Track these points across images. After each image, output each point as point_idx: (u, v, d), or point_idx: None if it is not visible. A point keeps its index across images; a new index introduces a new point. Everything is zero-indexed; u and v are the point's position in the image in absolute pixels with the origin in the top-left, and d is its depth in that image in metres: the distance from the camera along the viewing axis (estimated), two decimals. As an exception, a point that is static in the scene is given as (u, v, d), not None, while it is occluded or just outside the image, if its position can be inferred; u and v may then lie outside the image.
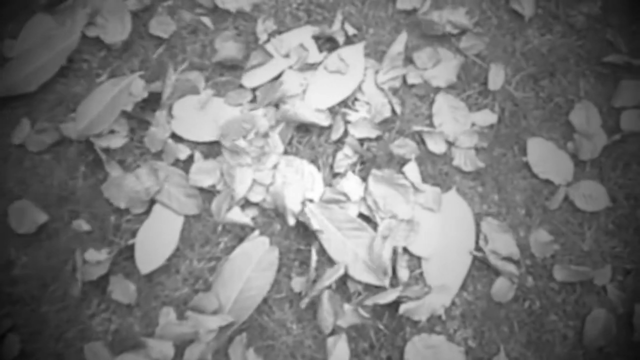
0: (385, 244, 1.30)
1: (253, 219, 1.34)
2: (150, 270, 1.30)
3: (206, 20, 1.44)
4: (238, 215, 1.31)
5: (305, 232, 1.32)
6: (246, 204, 1.34)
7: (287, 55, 1.40)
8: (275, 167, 1.35)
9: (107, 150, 1.36)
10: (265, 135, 1.34)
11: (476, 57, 1.45)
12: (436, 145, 1.38)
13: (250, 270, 1.30)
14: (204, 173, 1.34)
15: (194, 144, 1.37)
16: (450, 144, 1.39)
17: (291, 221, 1.30)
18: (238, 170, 1.33)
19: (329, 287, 1.28)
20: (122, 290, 1.30)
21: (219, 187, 1.34)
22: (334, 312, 1.27)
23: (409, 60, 1.44)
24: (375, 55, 1.44)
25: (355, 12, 1.47)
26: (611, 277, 1.34)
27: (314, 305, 1.27)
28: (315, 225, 1.28)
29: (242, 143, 1.33)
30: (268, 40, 1.42)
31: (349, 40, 1.45)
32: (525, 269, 1.34)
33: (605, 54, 1.48)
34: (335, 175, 1.36)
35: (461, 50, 1.45)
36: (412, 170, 1.36)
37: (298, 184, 1.33)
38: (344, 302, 1.29)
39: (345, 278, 1.30)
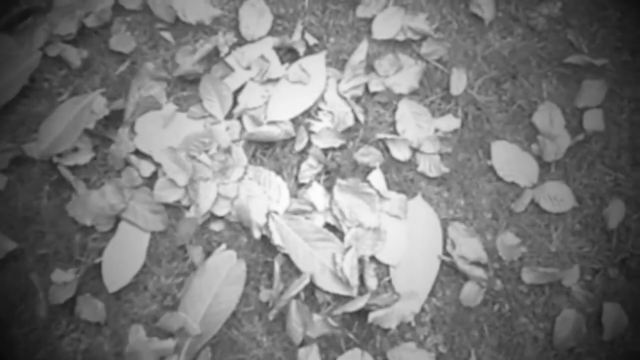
0: (352, 254, 1.28)
1: (219, 232, 1.32)
2: (118, 288, 1.29)
3: (166, 34, 1.43)
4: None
5: (271, 244, 1.31)
6: (212, 218, 1.33)
7: (248, 68, 1.40)
8: (239, 180, 1.34)
9: (71, 169, 1.34)
10: (228, 149, 1.33)
11: (438, 63, 1.45)
12: (400, 152, 1.38)
13: (218, 284, 1.29)
14: (168, 189, 1.33)
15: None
16: (414, 150, 1.39)
17: (257, 234, 1.30)
18: (202, 185, 1.32)
19: (296, 297, 1.27)
20: (91, 310, 1.29)
21: (184, 202, 1.33)
22: (302, 323, 1.26)
23: (370, 68, 1.44)
24: (337, 64, 1.45)
25: (316, 21, 1.47)
26: (579, 277, 1.34)
27: (283, 317, 1.27)
28: (276, 240, 1.28)
29: (204, 157, 1.33)
30: (229, 53, 1.41)
31: (310, 50, 1.45)
32: (494, 273, 1.34)
33: (567, 55, 1.48)
34: (301, 185, 1.36)
35: (422, 56, 1.46)
36: (377, 178, 1.36)
37: (263, 197, 1.32)
38: (313, 313, 1.28)
39: (313, 289, 1.30)
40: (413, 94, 1.43)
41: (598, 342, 1.31)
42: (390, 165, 1.38)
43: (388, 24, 1.46)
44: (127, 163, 1.37)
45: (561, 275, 1.33)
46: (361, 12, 1.48)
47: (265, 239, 1.32)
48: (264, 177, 1.35)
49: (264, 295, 1.29)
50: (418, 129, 1.39)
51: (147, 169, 1.37)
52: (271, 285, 1.30)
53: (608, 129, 1.44)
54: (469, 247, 1.35)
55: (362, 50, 1.43)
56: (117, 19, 1.45)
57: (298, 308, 1.27)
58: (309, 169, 1.36)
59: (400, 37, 1.46)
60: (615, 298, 1.34)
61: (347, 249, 1.28)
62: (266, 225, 1.29)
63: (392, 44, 1.47)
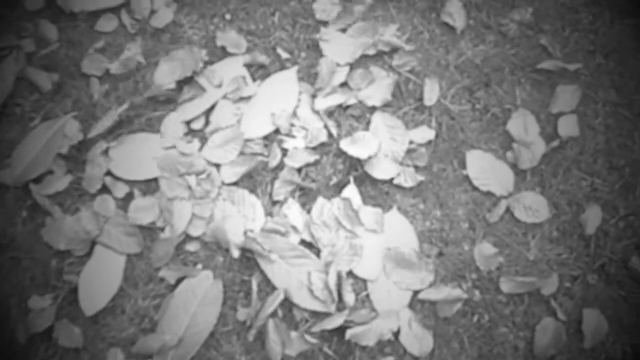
0: (329, 270, 1.28)
1: (194, 253, 1.32)
2: (95, 312, 1.29)
3: (138, 56, 1.43)
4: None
5: (248, 263, 1.31)
6: (187, 238, 1.33)
7: (219, 86, 1.39)
8: (214, 200, 1.33)
9: (45, 194, 1.34)
10: (203, 170, 1.33)
11: (410, 74, 1.45)
12: (373, 166, 1.37)
13: (195, 305, 1.29)
14: (143, 210, 1.33)
15: (132, 182, 1.36)
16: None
17: (235, 253, 1.29)
18: (177, 205, 1.32)
19: (273, 315, 1.27)
20: (68, 336, 1.29)
21: (159, 223, 1.33)
22: (281, 341, 1.26)
23: (343, 83, 1.43)
24: (309, 79, 1.44)
25: (286, 36, 1.47)
26: (558, 285, 1.33)
27: (262, 335, 1.27)
28: (262, 251, 1.27)
29: (178, 179, 1.32)
30: (200, 72, 1.41)
31: (282, 66, 1.44)
32: (472, 283, 1.33)
33: (540, 60, 1.48)
34: (275, 203, 1.35)
35: (394, 68, 1.45)
36: (351, 192, 1.35)
37: (238, 216, 1.32)
38: (291, 331, 1.27)
39: (291, 306, 1.29)
40: (386, 106, 1.42)
41: (579, 350, 1.31)
42: (365, 178, 1.37)
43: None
44: (102, 186, 1.34)
45: (540, 283, 1.33)
46: (333, 25, 1.47)
47: (242, 258, 1.31)
48: (239, 196, 1.34)
49: (242, 314, 1.28)
50: (392, 142, 1.38)
51: (121, 190, 1.35)
52: (248, 304, 1.28)
53: (583, 134, 1.43)
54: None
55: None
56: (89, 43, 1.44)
57: (276, 326, 1.27)
58: (283, 185, 1.34)
59: (371, 51, 1.44)
60: (595, 304, 1.33)
61: (329, 264, 1.26)
62: (245, 242, 1.28)
63: (363, 57, 1.45)
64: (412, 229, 1.36)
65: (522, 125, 1.42)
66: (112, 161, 1.35)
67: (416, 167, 1.38)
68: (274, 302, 1.26)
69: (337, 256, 1.30)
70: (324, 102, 1.40)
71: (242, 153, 1.37)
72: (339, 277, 1.29)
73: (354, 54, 1.42)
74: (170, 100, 1.41)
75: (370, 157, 1.35)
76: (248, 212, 1.34)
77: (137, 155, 1.37)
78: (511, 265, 1.34)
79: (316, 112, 1.40)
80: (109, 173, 1.37)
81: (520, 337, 1.30)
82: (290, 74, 1.43)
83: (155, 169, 1.36)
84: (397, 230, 1.36)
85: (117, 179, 1.36)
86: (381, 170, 1.36)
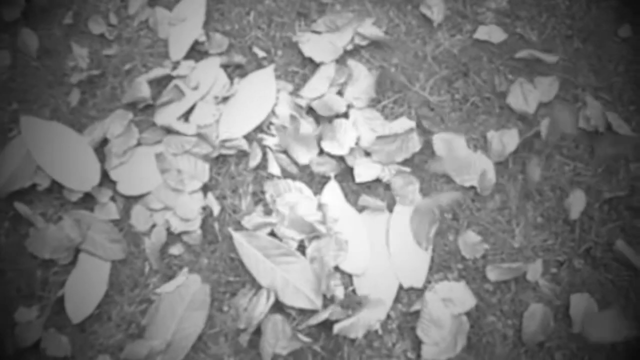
0: (315, 266, 1.28)
1: (179, 256, 1.32)
2: (82, 319, 1.29)
3: (115, 60, 1.43)
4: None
5: (232, 263, 1.31)
6: (171, 240, 1.32)
7: (196, 88, 1.39)
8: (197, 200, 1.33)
9: (27, 204, 1.33)
10: (180, 172, 1.33)
11: (388, 67, 1.44)
12: (356, 160, 1.37)
13: (183, 310, 1.29)
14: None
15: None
16: (370, 156, 1.37)
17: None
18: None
19: (264, 316, 1.26)
20: (56, 345, 1.29)
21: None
22: (273, 341, 1.25)
23: (321, 78, 1.43)
24: (287, 77, 1.43)
25: (262, 35, 1.46)
26: (544, 270, 1.33)
27: (254, 336, 1.26)
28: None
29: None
30: (177, 75, 1.40)
31: (259, 65, 1.44)
32: (458, 273, 1.33)
33: (518, 47, 1.47)
34: (258, 202, 1.35)
35: (372, 61, 1.44)
36: (333, 188, 1.34)
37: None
38: (282, 329, 1.27)
39: (279, 305, 1.29)
40: (364, 99, 1.41)
41: (568, 335, 1.30)
42: (346, 173, 1.37)
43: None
44: (84, 193, 1.34)
45: (525, 269, 1.32)
46: (316, 26, 1.46)
47: (226, 259, 1.30)
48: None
49: (229, 316, 1.28)
50: (372, 133, 1.38)
51: (104, 195, 1.35)
52: (235, 305, 1.28)
53: (564, 120, 1.42)
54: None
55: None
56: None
57: (274, 326, 1.26)
58: (263, 185, 1.34)
59: (349, 46, 1.44)
60: (582, 289, 1.32)
61: (314, 260, 1.26)
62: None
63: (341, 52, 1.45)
64: (396, 222, 1.34)
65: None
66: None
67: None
68: (265, 305, 1.25)
69: (322, 252, 1.29)
70: (304, 100, 1.39)
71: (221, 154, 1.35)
72: (328, 272, 1.28)
73: (336, 51, 1.41)
74: (148, 105, 1.39)
75: (351, 150, 1.34)
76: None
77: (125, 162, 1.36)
78: (496, 254, 1.34)
79: (294, 110, 1.38)
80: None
81: (508, 325, 1.30)
82: (268, 72, 1.42)
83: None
84: (381, 224, 1.34)
85: (100, 184, 1.35)
86: (363, 173, 1.34)
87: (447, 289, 1.29)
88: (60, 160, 1.36)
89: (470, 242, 1.33)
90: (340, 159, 1.37)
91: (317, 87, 1.39)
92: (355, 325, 1.27)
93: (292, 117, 1.34)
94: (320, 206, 1.32)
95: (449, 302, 1.27)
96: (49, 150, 1.36)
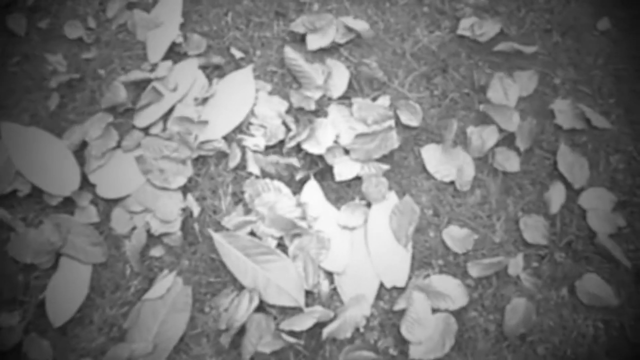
0: (297, 264, 1.28)
1: (159, 258, 1.32)
2: (63, 322, 1.29)
3: (93, 64, 1.43)
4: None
5: (213, 264, 1.31)
6: (151, 243, 1.32)
7: (175, 90, 1.39)
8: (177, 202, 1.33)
9: (8, 209, 1.34)
10: (162, 171, 1.33)
11: (366, 64, 1.44)
12: (335, 158, 1.36)
13: (164, 312, 1.29)
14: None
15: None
16: (349, 154, 1.37)
17: None
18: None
19: (247, 317, 1.26)
20: (37, 349, 1.29)
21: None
22: (255, 340, 1.25)
23: (301, 77, 1.42)
24: (265, 77, 1.43)
25: (240, 35, 1.46)
26: (525, 265, 1.33)
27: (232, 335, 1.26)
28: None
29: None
30: (156, 77, 1.40)
31: (237, 65, 1.44)
32: (439, 269, 1.33)
33: (496, 43, 1.47)
34: (238, 202, 1.35)
35: (350, 59, 1.44)
36: (313, 187, 1.34)
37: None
38: (266, 327, 1.27)
39: (261, 304, 1.28)
40: (344, 97, 1.41)
41: (550, 328, 1.30)
42: (326, 171, 1.37)
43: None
44: (64, 197, 1.34)
45: (506, 263, 1.31)
46: (295, 26, 1.46)
47: (207, 259, 1.30)
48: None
49: (210, 317, 1.28)
50: (351, 131, 1.38)
51: (85, 199, 1.35)
52: (217, 306, 1.28)
53: (543, 113, 1.43)
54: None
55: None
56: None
57: (258, 324, 1.26)
58: (244, 185, 1.34)
59: (327, 44, 1.44)
60: (564, 282, 1.32)
61: (296, 258, 1.26)
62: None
63: (319, 51, 1.45)
64: (376, 219, 1.34)
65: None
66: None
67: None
68: (248, 307, 1.25)
69: (305, 250, 1.29)
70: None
71: (200, 155, 1.35)
72: (313, 268, 1.28)
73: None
74: (128, 109, 1.39)
75: (329, 149, 1.34)
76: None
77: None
78: (478, 249, 1.34)
79: (273, 109, 1.38)
80: (71, 185, 1.35)
81: (490, 320, 1.30)
82: (246, 72, 1.42)
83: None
84: (361, 221, 1.34)
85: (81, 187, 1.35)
86: (343, 171, 1.34)
87: (440, 283, 1.28)
88: (40, 165, 1.36)
89: (456, 236, 1.33)
90: (320, 157, 1.36)
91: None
92: (343, 326, 1.27)
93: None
94: (299, 204, 1.31)
95: (441, 297, 1.27)
96: (29, 156, 1.37)
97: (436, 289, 1.27)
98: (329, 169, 1.36)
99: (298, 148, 1.36)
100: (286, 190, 1.34)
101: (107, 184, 1.35)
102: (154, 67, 1.42)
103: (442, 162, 1.36)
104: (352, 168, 1.36)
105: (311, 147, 1.35)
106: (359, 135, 1.34)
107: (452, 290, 1.28)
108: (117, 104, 1.39)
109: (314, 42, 1.45)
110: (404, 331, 1.24)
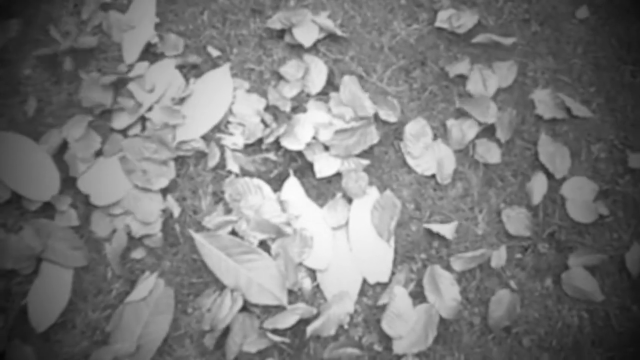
0: (279, 263, 1.27)
1: (140, 260, 1.31)
2: (46, 327, 1.28)
3: (68, 65, 1.42)
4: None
5: (194, 264, 1.30)
6: (132, 245, 1.32)
7: (152, 91, 1.38)
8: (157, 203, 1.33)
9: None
10: (145, 172, 1.33)
11: (344, 59, 1.43)
12: (315, 155, 1.36)
13: (147, 314, 1.28)
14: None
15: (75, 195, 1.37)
16: (328, 149, 1.36)
17: None
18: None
19: (232, 317, 1.25)
20: (20, 356, 1.28)
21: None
22: (239, 339, 1.25)
23: (277, 75, 1.42)
24: (243, 75, 1.42)
25: (217, 34, 1.45)
26: (508, 256, 1.32)
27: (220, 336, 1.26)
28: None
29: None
30: (133, 79, 1.40)
31: (215, 64, 1.43)
32: (422, 264, 1.32)
33: (475, 34, 1.46)
34: (219, 201, 1.34)
35: (328, 55, 1.43)
36: (293, 184, 1.34)
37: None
38: (250, 327, 1.26)
39: (244, 303, 1.28)
40: (322, 94, 1.40)
41: (535, 320, 1.30)
42: (305, 168, 1.36)
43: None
44: (43, 202, 1.33)
45: (490, 255, 1.31)
46: (271, 23, 1.45)
47: (188, 260, 1.30)
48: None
49: (193, 318, 1.27)
50: (330, 127, 1.37)
51: (64, 203, 1.34)
52: (199, 306, 1.27)
53: (524, 103, 1.42)
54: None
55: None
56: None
57: (242, 324, 1.25)
58: (225, 184, 1.33)
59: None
60: (548, 273, 1.32)
61: (278, 256, 1.26)
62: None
63: (297, 48, 1.44)
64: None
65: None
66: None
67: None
68: (233, 308, 1.25)
69: (287, 249, 1.28)
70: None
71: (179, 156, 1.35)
72: (294, 266, 1.27)
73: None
74: (106, 111, 1.38)
75: (309, 145, 1.33)
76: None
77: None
78: (460, 242, 1.33)
79: (252, 108, 1.37)
80: (51, 188, 1.34)
81: (475, 313, 1.30)
82: (224, 71, 1.41)
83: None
84: (343, 218, 1.34)
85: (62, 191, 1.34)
86: (324, 168, 1.33)
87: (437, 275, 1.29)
88: (19, 170, 1.35)
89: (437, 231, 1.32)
90: (299, 154, 1.35)
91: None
92: (327, 323, 1.26)
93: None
94: (281, 203, 1.30)
95: (435, 289, 1.26)
96: (7, 161, 1.35)
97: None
98: (309, 165, 1.35)
99: (277, 145, 1.35)
100: (267, 188, 1.33)
101: (98, 191, 1.33)
102: (130, 68, 1.40)
103: (423, 155, 1.35)
104: (333, 164, 1.35)
105: (290, 144, 1.34)
106: (338, 132, 1.33)
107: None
108: (94, 106, 1.37)
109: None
110: (384, 326, 1.24)
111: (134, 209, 1.33)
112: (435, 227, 1.31)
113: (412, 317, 1.25)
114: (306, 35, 1.43)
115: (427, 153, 1.36)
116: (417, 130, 1.37)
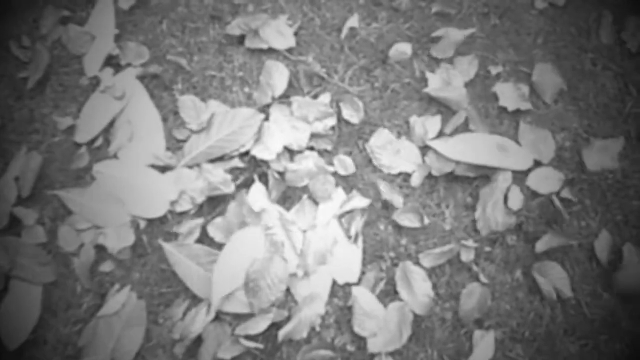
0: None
1: (110, 273, 1.31)
2: (18, 345, 1.28)
3: (30, 82, 1.41)
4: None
5: (164, 274, 1.30)
6: (100, 258, 1.31)
7: (121, 97, 1.37)
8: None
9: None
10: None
11: (305, 62, 1.43)
12: (280, 163, 1.36)
13: (120, 328, 1.28)
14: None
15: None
16: (292, 153, 1.36)
17: None
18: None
19: (203, 327, 1.25)
20: (-7, 374, 1.27)
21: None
22: (213, 348, 1.24)
23: (240, 80, 1.42)
24: (204, 82, 1.42)
25: (177, 42, 1.45)
26: (477, 250, 1.32)
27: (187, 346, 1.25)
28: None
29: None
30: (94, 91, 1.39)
31: (175, 73, 1.43)
32: (391, 262, 1.32)
33: (435, 29, 1.46)
34: (183, 213, 1.34)
35: (289, 58, 1.43)
36: (258, 190, 1.34)
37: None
38: (223, 334, 1.26)
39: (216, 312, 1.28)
40: (284, 97, 1.40)
41: (506, 312, 1.30)
42: (270, 173, 1.36)
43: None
44: (11, 218, 1.33)
45: (459, 250, 1.31)
46: (230, 29, 1.45)
47: (157, 270, 1.30)
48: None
49: (165, 328, 1.27)
50: (294, 130, 1.37)
51: (31, 218, 1.34)
52: (170, 316, 1.27)
53: (486, 97, 1.42)
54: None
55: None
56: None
57: (214, 331, 1.25)
58: (188, 194, 1.33)
59: (264, 45, 1.43)
60: (517, 265, 1.32)
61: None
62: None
63: (257, 52, 1.44)
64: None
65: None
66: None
67: (320, 152, 1.36)
68: (206, 319, 1.24)
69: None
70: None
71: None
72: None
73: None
74: (71, 127, 1.38)
75: (278, 155, 1.33)
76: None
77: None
78: (429, 239, 1.33)
79: (213, 114, 1.38)
80: (17, 204, 1.33)
81: (446, 308, 1.30)
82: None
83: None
84: (309, 220, 1.34)
85: (27, 205, 1.33)
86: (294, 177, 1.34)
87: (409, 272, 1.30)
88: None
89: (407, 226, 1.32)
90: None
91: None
92: (298, 326, 1.26)
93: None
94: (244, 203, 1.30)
95: (407, 286, 1.27)
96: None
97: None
98: (274, 170, 1.34)
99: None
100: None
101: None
102: (92, 80, 1.40)
103: (389, 155, 1.35)
104: (303, 175, 1.34)
105: (259, 153, 1.34)
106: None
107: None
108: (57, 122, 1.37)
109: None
110: (356, 328, 1.24)
111: (101, 223, 1.33)
112: (404, 221, 1.31)
113: (381, 313, 1.25)
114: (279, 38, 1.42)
115: (395, 156, 1.36)
116: (382, 142, 1.37)
